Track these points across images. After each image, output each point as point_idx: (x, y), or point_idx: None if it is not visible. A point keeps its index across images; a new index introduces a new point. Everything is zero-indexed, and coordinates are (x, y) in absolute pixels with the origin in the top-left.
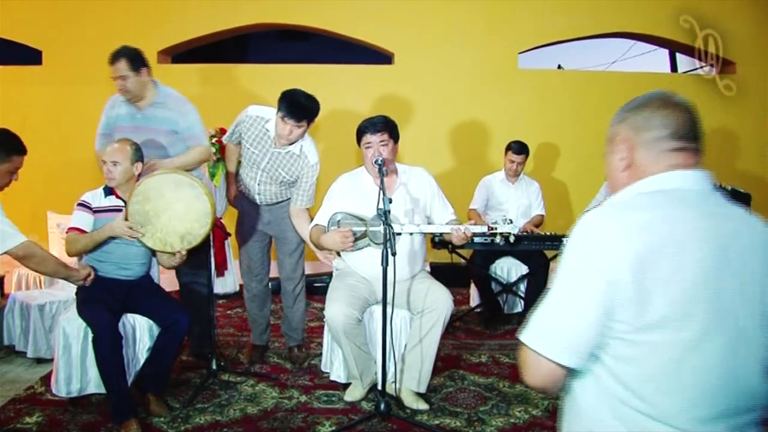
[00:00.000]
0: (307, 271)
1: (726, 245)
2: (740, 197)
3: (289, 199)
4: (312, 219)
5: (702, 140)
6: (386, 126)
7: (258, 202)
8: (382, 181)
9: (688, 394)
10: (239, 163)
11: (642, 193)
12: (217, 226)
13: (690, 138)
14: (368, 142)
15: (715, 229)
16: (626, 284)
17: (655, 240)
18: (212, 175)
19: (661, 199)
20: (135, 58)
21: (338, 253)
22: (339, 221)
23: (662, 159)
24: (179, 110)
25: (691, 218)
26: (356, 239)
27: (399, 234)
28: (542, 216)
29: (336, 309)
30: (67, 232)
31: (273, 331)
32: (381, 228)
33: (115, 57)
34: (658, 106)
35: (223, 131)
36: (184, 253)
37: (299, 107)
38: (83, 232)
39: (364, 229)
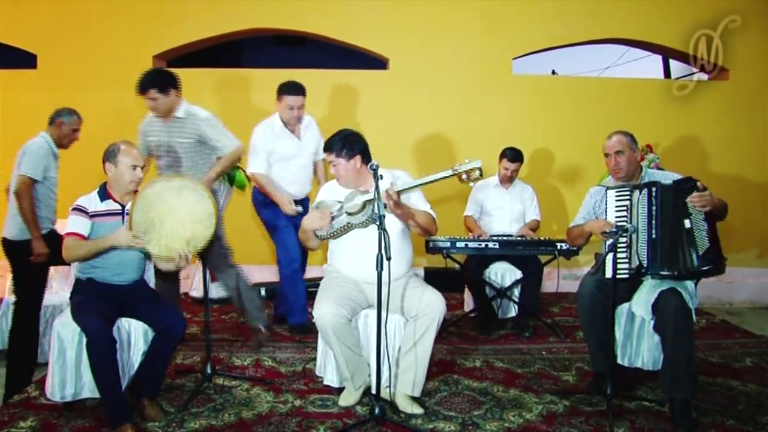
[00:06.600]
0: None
1: None
2: (685, 183)
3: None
4: None
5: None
6: (337, 146)
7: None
8: (377, 187)
9: None
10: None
11: None
12: None
13: None
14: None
15: None
16: None
17: None
18: (231, 180)
19: None
20: None
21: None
22: (317, 205)
23: None
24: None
25: None
26: (333, 218)
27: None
28: (538, 221)
29: (325, 308)
30: (64, 237)
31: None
32: (356, 200)
33: None
34: None
35: None
36: (188, 255)
37: None
38: (82, 236)
39: (339, 206)
